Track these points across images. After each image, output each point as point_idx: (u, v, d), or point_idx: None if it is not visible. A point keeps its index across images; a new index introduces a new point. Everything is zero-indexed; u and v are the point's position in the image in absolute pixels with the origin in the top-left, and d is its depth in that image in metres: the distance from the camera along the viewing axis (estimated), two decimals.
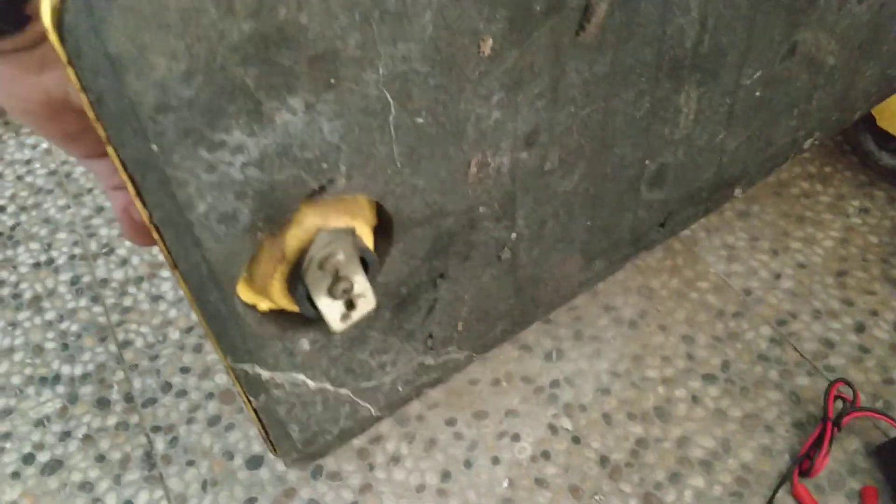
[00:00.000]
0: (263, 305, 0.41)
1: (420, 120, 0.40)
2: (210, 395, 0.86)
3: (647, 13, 0.48)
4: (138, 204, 0.34)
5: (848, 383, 0.85)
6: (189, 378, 0.88)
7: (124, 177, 0.33)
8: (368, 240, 0.42)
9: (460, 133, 0.42)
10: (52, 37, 0.29)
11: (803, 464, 0.81)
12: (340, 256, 0.38)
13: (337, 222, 0.39)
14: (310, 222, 0.38)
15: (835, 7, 0.62)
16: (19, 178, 1.15)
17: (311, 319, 0.41)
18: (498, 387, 0.86)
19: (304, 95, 0.35)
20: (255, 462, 0.80)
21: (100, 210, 1.09)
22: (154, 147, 0.32)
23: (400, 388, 0.51)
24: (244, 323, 0.40)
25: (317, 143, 0.36)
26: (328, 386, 0.47)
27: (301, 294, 0.39)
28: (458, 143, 0.42)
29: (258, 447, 0.81)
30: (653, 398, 0.86)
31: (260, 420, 0.46)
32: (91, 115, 0.31)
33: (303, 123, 0.35)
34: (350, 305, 0.41)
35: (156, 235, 0.35)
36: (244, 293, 0.40)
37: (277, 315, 0.42)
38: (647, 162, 0.54)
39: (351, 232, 0.39)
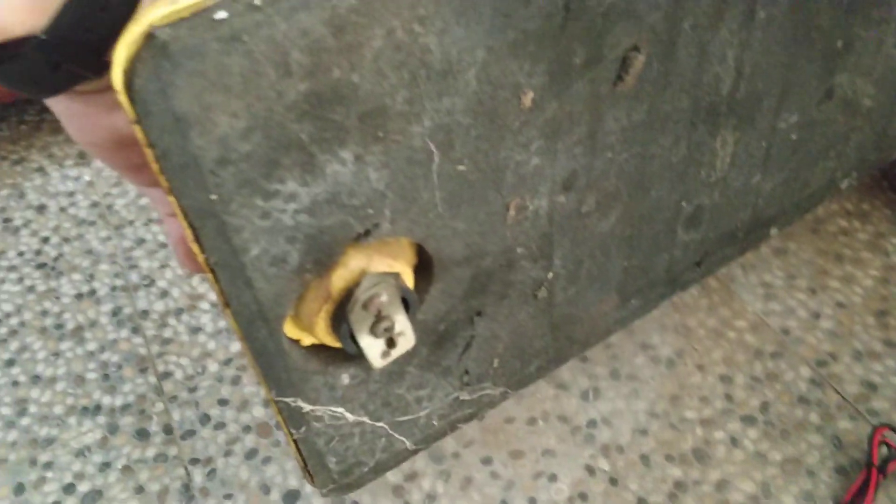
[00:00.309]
0: (307, 341, 0.44)
1: (462, 168, 0.43)
2: (247, 428, 0.89)
3: (684, 63, 0.51)
4: (196, 248, 0.37)
5: (893, 428, 0.85)
6: (227, 410, 0.91)
7: (184, 223, 0.36)
8: (409, 279, 0.45)
9: (500, 179, 0.45)
10: (122, 98, 0.33)
11: None
12: (384, 297, 0.41)
13: (380, 263, 0.42)
14: (355, 264, 0.42)
15: (871, 51, 0.64)
16: (62, 209, 1.19)
17: (353, 356, 0.44)
18: (534, 426, 0.88)
19: (353, 148, 0.38)
20: (291, 497, 0.83)
21: (141, 242, 1.13)
22: (213, 197, 0.35)
23: (435, 423, 0.54)
24: (289, 358, 0.43)
25: (364, 190, 0.39)
26: (366, 419, 0.50)
27: (345, 332, 0.42)
28: (498, 188, 0.45)
29: (295, 482, 0.84)
30: (691, 440, 0.87)
31: (299, 451, 0.49)
32: (155, 167, 0.34)
33: (351, 173, 0.39)
34: (391, 343, 0.44)
35: (210, 277, 0.38)
36: (289, 330, 0.43)
37: (320, 350, 0.46)
38: (683, 204, 0.57)
39: (395, 275, 0.42)
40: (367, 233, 0.41)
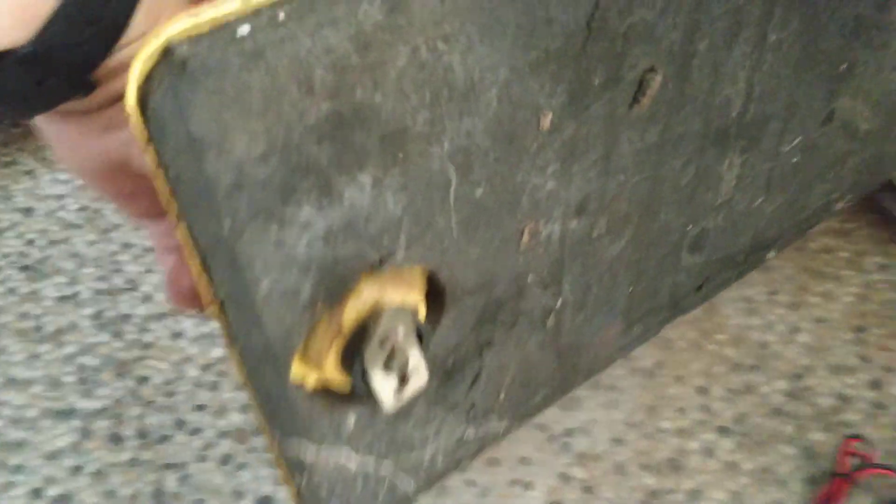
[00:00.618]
0: (312, 378, 0.40)
1: (479, 191, 0.40)
2: (224, 434, 0.85)
3: (697, 84, 0.48)
4: (203, 281, 0.33)
5: (863, 439, 0.85)
6: (204, 416, 0.87)
7: (191, 254, 0.32)
8: (422, 309, 0.42)
9: (516, 203, 0.42)
10: (136, 117, 0.29)
11: None
12: (400, 332, 0.38)
13: (394, 294, 0.39)
14: (368, 295, 0.38)
15: (871, 75, 0.62)
16: (50, 212, 1.15)
17: (362, 394, 0.41)
18: (511, 434, 0.85)
19: (372, 171, 0.35)
20: (264, 502, 0.79)
21: (127, 247, 1.09)
22: (227, 225, 0.31)
23: (440, 461, 0.50)
24: (296, 399, 0.39)
25: (380, 216, 0.36)
26: (371, 461, 0.46)
27: (358, 369, 0.38)
28: (513, 213, 0.42)
29: (268, 488, 0.80)
30: (666, 450, 0.85)
31: (301, 499, 0.45)
32: (165, 191, 0.31)
33: (369, 198, 0.35)
34: (402, 380, 0.40)
35: (217, 312, 0.34)
36: (295, 366, 0.39)
37: (325, 389, 0.42)
38: (688, 227, 0.54)
39: (412, 309, 0.39)
40: (381, 262, 0.37)
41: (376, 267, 0.37)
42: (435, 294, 0.42)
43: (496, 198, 0.41)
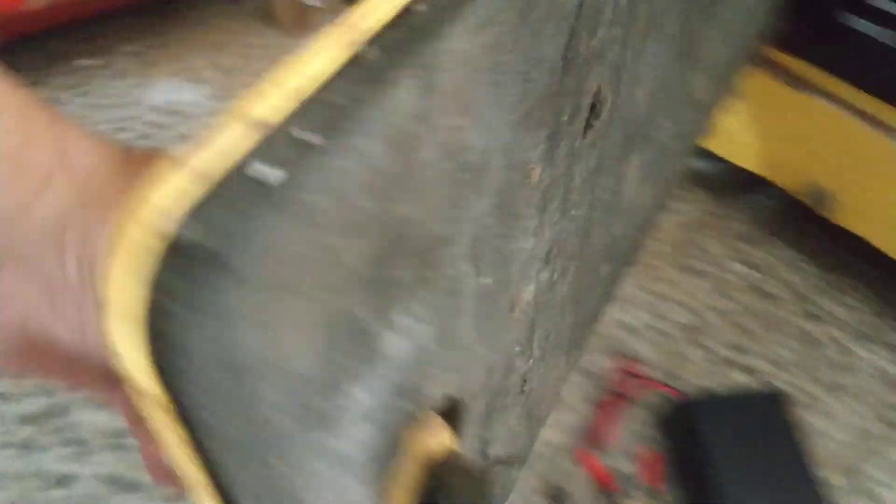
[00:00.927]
0: None
1: (487, 280, 0.29)
2: (24, 419, 0.77)
3: (623, 96, 0.39)
4: None
5: (641, 361, 0.87)
6: (4, 404, 0.78)
7: None
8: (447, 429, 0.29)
9: (508, 276, 0.31)
10: (140, 363, 0.15)
11: (595, 435, 0.81)
12: (461, 490, 0.25)
13: (431, 440, 0.26)
14: (411, 452, 0.25)
15: (710, 49, 0.56)
16: None
17: None
18: None
19: (405, 304, 0.23)
20: (64, 481, 0.73)
21: None
22: (273, 462, 0.18)
23: None
24: None
25: (413, 356, 0.24)
26: None
27: None
28: (507, 289, 0.32)
29: (69, 467, 0.74)
30: None
31: None
32: (182, 448, 0.17)
33: (405, 339, 0.23)
34: None
35: None
36: None
37: None
38: (607, 241, 0.45)
39: (453, 450, 0.26)
40: (418, 409, 0.25)
41: (414, 420, 0.25)
42: (446, 412, 0.30)
43: (497, 279, 0.30)
